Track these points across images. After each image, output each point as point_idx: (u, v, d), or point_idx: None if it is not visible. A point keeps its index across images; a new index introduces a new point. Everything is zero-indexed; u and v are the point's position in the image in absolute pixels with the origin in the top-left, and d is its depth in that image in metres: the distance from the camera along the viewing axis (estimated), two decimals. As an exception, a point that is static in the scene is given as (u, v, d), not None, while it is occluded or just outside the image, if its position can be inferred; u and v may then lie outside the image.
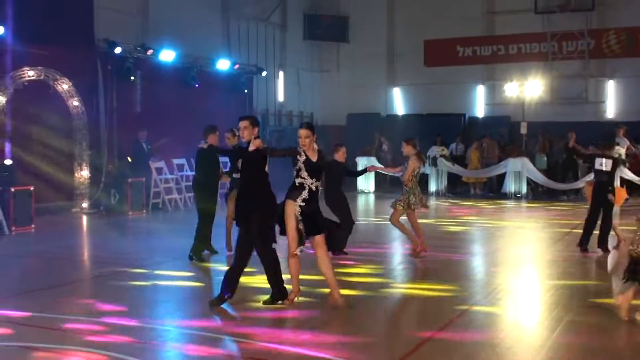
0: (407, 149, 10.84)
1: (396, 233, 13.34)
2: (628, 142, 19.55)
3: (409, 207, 10.57)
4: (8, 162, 14.44)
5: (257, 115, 23.86)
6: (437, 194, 21.53)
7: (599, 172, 10.85)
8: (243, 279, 7.72)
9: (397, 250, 11.83)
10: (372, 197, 21.43)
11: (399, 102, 28.07)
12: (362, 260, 10.27)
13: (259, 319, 7.13)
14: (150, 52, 18.32)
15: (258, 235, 7.31)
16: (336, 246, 8.53)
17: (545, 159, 21.05)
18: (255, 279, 8.41)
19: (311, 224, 7.29)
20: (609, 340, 6.45)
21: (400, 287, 8.81)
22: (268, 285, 7.56)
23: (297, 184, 7.31)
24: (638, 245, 6.81)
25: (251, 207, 7.34)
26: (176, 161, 18.51)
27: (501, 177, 21.19)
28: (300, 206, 7.24)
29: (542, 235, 13.43)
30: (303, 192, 7.27)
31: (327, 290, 7.46)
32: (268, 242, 7.46)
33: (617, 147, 18.88)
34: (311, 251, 7.50)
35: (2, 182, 13.81)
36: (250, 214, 7.32)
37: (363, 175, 17.90)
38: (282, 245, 7.73)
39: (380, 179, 23.07)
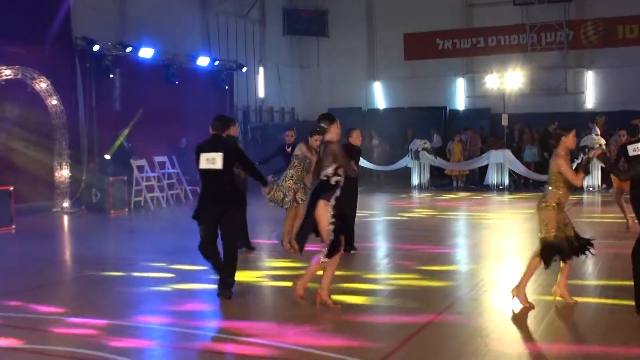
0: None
1: (378, 228, 13.36)
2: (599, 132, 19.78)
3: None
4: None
5: (238, 112, 23.82)
6: (420, 187, 21.55)
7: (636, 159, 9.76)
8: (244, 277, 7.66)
9: (381, 244, 11.81)
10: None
11: (379, 96, 28.09)
12: (346, 257, 10.23)
13: (254, 315, 7.08)
14: (129, 49, 18.16)
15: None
16: (352, 245, 8.54)
17: (536, 150, 21.07)
18: (253, 274, 8.34)
19: (342, 224, 7.03)
20: (595, 330, 6.46)
21: (386, 281, 8.78)
22: (263, 283, 7.50)
23: (332, 183, 6.93)
24: (549, 230, 6.94)
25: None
26: (157, 159, 18.36)
27: (483, 170, 21.25)
28: (333, 206, 6.91)
29: (525, 227, 13.44)
30: (337, 191, 6.95)
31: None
32: None
33: (597, 138, 19.15)
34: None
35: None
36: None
37: None
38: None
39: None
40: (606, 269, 8.99)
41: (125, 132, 16.92)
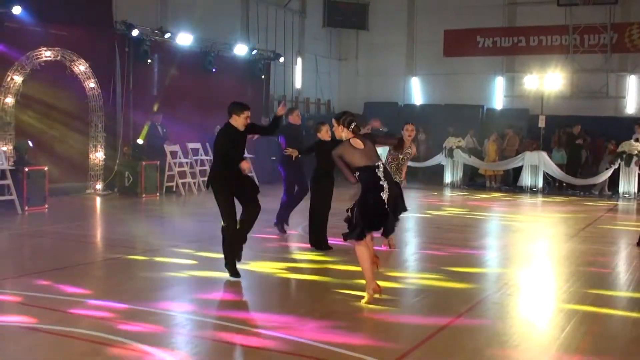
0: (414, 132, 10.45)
1: (406, 225, 13.27)
2: None
3: None
4: (30, 143, 14.46)
5: (274, 102, 23.86)
6: (452, 186, 21.40)
7: None
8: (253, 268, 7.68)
9: (408, 242, 11.73)
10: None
11: (417, 92, 27.89)
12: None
13: (270, 307, 7.08)
14: (167, 35, 18.28)
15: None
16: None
17: (563, 153, 20.84)
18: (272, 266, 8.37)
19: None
20: (616, 342, 6.34)
21: (411, 278, 8.72)
22: (283, 275, 7.49)
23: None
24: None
25: None
26: (191, 145, 18.51)
27: (517, 171, 21.00)
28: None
29: (557, 231, 13.28)
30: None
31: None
32: None
33: (635, 144, 18.80)
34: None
35: (17, 161, 13.89)
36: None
37: None
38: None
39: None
40: (638, 281, 8.78)
41: (159, 128, 17.25)
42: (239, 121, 7.98)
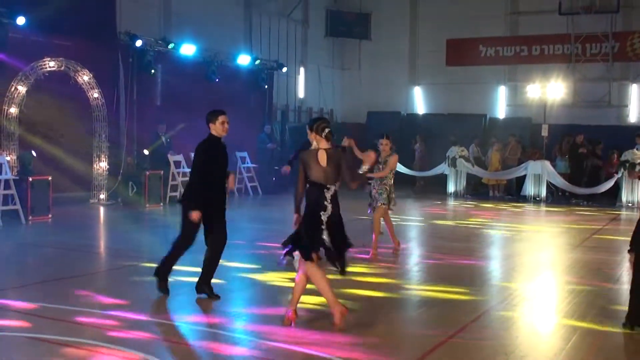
0: (387, 146, 10.67)
1: (409, 235, 13.29)
2: None
3: (387, 205, 10.67)
4: (33, 153, 14.51)
5: (277, 112, 23.90)
6: (456, 195, 21.39)
7: None
8: (260, 278, 7.68)
9: (411, 252, 11.73)
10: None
11: (419, 101, 27.92)
12: (377, 260, 10.21)
13: (273, 317, 7.08)
14: (171, 45, 18.34)
15: None
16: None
17: (566, 162, 20.84)
18: (270, 277, 8.35)
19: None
20: (622, 356, 6.33)
21: (415, 289, 8.72)
22: (288, 285, 7.48)
23: None
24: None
25: None
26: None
27: (521, 180, 20.99)
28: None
29: (561, 240, 13.28)
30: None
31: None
32: None
33: (638, 153, 18.80)
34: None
35: (21, 171, 13.94)
36: None
37: None
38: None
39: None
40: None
41: (163, 139, 17.25)
42: (218, 129, 7.69)
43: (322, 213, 6.60)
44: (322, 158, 6.68)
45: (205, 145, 7.68)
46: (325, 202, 6.63)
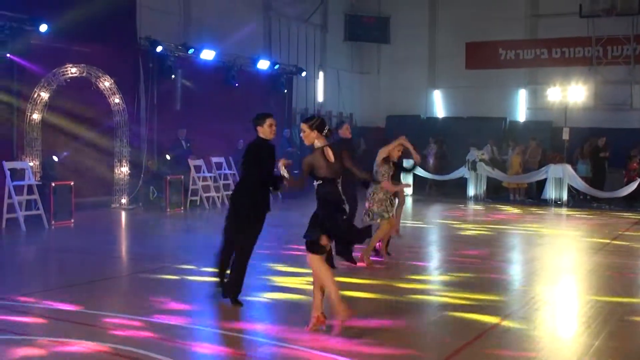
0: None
1: (430, 238, 13.25)
2: None
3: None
4: (55, 158, 14.68)
5: (296, 116, 23.94)
6: (476, 199, 21.27)
7: None
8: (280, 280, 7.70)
9: (432, 256, 11.69)
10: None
11: (439, 105, 27.86)
12: (398, 266, 10.21)
13: (293, 322, 7.09)
14: (191, 51, 18.44)
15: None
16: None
17: (587, 165, 20.68)
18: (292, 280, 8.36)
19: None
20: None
21: (433, 294, 8.69)
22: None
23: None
24: None
25: None
26: (215, 159, 18.62)
27: (541, 183, 20.86)
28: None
29: (582, 245, 13.18)
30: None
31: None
32: None
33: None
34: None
35: (44, 177, 14.09)
36: None
37: None
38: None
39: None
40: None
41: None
42: (266, 131, 7.73)
43: (344, 206, 6.71)
44: (330, 154, 6.73)
45: (254, 146, 7.73)
46: (341, 195, 6.74)
